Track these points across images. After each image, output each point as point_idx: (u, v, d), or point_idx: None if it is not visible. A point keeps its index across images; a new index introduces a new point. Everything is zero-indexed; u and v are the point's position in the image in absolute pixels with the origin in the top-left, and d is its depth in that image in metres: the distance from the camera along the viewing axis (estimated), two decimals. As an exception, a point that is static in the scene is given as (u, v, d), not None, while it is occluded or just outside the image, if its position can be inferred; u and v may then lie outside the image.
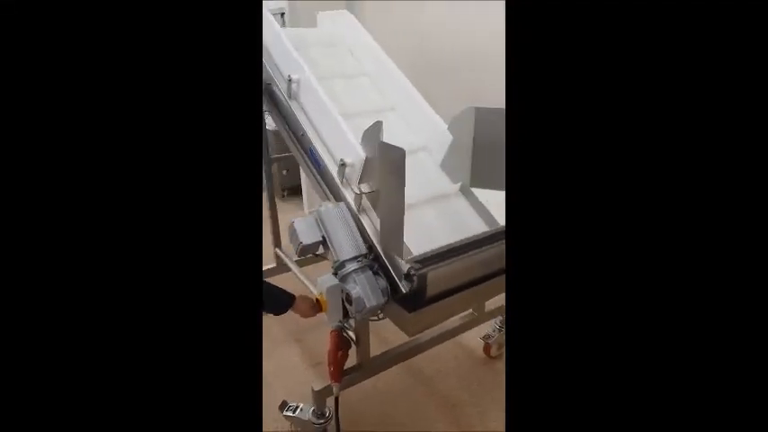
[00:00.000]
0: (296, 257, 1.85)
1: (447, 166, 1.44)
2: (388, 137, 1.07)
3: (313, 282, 1.77)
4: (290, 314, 1.31)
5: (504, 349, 1.75)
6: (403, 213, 0.92)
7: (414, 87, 1.56)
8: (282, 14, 2.44)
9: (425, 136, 1.51)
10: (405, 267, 1.08)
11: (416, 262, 1.06)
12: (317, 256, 1.27)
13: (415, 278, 1.06)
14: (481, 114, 1.26)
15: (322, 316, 1.23)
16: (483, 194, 1.37)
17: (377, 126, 1.12)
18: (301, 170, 3.00)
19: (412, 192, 1.25)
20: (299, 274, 1.85)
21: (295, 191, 3.41)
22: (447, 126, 1.43)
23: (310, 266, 1.94)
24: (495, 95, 1.87)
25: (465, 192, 1.41)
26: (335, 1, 2.58)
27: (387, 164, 0.97)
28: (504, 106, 1.18)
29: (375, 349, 1.43)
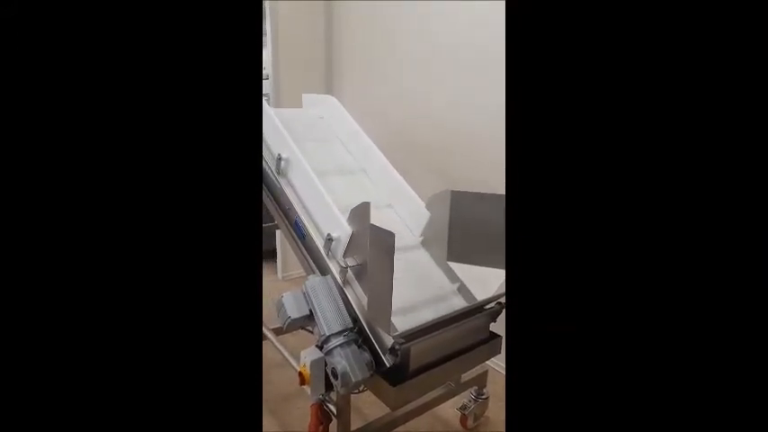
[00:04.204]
0: (272, 326, 1.85)
1: (425, 238, 1.55)
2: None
3: (291, 352, 1.76)
4: (264, 385, 1.30)
5: (480, 420, 1.77)
6: (391, 294, 0.98)
7: (404, 181, 1.67)
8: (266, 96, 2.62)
9: (419, 231, 1.58)
10: (389, 341, 1.13)
11: (400, 336, 1.11)
12: (302, 328, 1.30)
13: (399, 352, 1.11)
14: (456, 197, 1.39)
15: (297, 387, 1.23)
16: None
17: (365, 205, 1.21)
18: (277, 236, 3.04)
19: (410, 294, 1.31)
20: (276, 343, 1.83)
21: (267, 255, 3.43)
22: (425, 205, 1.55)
23: (287, 335, 1.93)
24: (469, 178, 2.03)
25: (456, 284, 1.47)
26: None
27: (376, 246, 1.05)
28: (477, 190, 1.33)
29: (352, 422, 1.42)
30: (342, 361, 1.12)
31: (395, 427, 1.52)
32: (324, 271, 1.38)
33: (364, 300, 1.22)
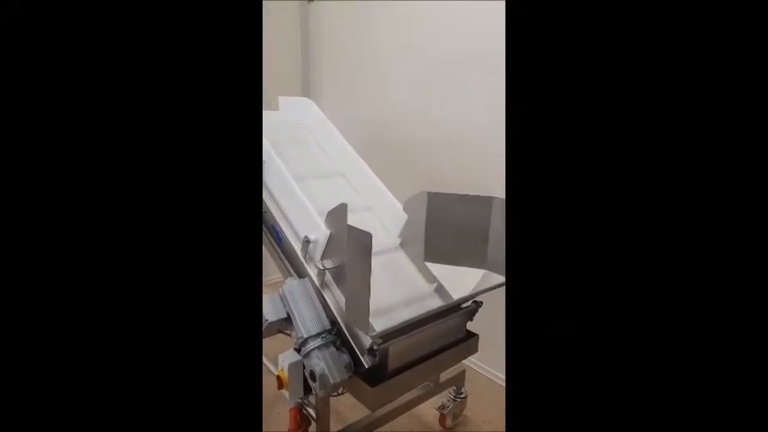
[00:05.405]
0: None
1: (403, 240, 1.56)
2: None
3: (269, 357, 1.74)
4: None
5: (458, 420, 1.78)
6: (369, 293, 0.99)
7: (382, 184, 1.67)
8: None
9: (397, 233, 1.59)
10: (367, 342, 1.13)
11: (378, 337, 1.12)
12: (280, 332, 1.29)
13: (377, 352, 1.11)
14: (432, 198, 1.41)
15: (276, 392, 1.22)
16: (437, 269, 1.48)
17: (342, 207, 1.22)
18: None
19: (388, 294, 1.32)
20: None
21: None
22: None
23: (265, 341, 1.90)
24: (450, 179, 2.05)
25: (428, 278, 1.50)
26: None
27: (354, 246, 1.05)
28: (458, 191, 1.35)
29: (331, 425, 1.42)
30: (320, 363, 1.12)
31: (374, 428, 1.53)
32: (301, 274, 1.37)
33: (342, 302, 1.22)
